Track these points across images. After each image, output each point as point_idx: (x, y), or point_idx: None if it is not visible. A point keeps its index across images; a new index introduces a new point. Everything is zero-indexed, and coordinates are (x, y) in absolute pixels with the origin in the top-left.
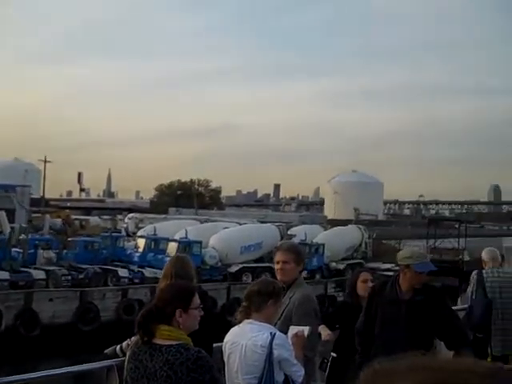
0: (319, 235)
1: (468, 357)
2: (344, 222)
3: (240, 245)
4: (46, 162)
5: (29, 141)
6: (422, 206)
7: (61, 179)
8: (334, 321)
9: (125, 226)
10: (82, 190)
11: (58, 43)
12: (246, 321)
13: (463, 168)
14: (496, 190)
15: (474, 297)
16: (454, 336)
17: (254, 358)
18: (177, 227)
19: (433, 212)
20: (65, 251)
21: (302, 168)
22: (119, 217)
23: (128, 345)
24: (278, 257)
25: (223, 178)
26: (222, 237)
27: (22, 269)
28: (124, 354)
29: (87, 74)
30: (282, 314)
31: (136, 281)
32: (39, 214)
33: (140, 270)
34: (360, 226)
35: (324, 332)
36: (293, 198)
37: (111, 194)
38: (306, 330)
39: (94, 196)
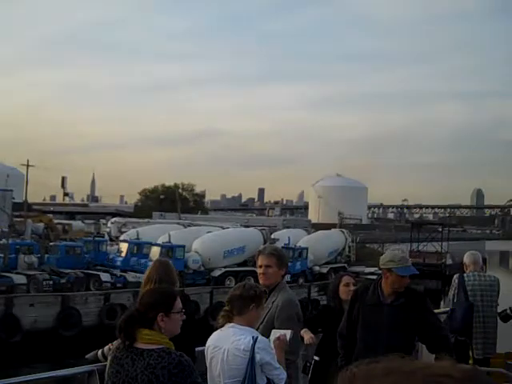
0: (302, 239)
1: (447, 360)
2: (328, 226)
3: (223, 249)
4: (28, 166)
5: (11, 144)
6: (405, 210)
7: (44, 183)
8: (317, 324)
9: (108, 230)
10: (65, 194)
11: (40, 47)
12: (228, 325)
13: (446, 172)
14: (479, 194)
15: (455, 300)
16: (435, 339)
17: (236, 361)
18: (160, 231)
19: (416, 216)
20: (46, 256)
21: (286, 172)
22: (102, 221)
23: (110, 349)
24: (261, 261)
25: (208, 183)
26: (205, 241)
27: (3, 273)
28: (105, 359)
29: (70, 79)
30: (264, 318)
31: (118, 285)
32: (21, 219)
33: (122, 274)
34: (343, 230)
35: (306, 335)
36: (277, 202)
37: (95, 199)
38: (288, 333)
39: (77, 200)
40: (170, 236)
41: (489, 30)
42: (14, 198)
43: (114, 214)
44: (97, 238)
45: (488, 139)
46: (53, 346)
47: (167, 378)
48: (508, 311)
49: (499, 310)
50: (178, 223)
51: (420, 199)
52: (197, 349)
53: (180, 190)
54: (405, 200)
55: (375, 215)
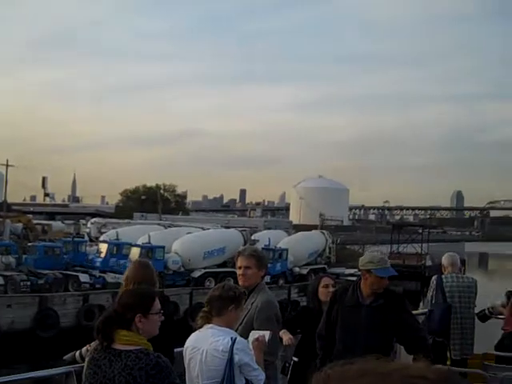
0: (283, 240)
1: (422, 362)
2: (309, 227)
3: (203, 250)
4: (8, 165)
5: None
6: (386, 212)
7: (25, 184)
8: (296, 325)
9: (87, 230)
10: (46, 194)
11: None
12: (207, 326)
13: (427, 175)
14: (459, 196)
15: (433, 301)
16: (413, 340)
17: (214, 362)
18: (140, 232)
19: (397, 217)
20: (24, 256)
21: (268, 173)
22: (82, 222)
23: (87, 350)
24: (240, 262)
25: (190, 184)
26: (185, 242)
27: None
28: (83, 360)
29: (49, 79)
30: (243, 319)
31: (98, 286)
32: (0, 219)
33: (102, 275)
34: (324, 231)
35: (285, 337)
36: (258, 204)
37: (76, 199)
38: (266, 334)
39: (58, 201)
40: (149, 237)
41: (469, 35)
42: None
43: (94, 215)
44: (76, 239)
45: (468, 142)
46: (30, 348)
47: (145, 379)
48: (486, 311)
49: (478, 311)
50: (159, 224)
51: (401, 201)
52: (176, 350)
53: (161, 191)
54: (386, 202)
55: (356, 217)
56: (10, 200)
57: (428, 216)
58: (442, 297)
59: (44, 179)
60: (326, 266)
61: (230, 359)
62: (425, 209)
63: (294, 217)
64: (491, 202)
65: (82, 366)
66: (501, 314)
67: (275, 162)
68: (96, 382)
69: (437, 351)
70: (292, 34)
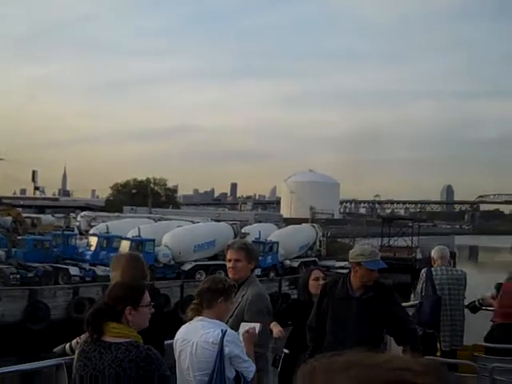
0: (273, 233)
1: (409, 354)
2: (300, 221)
3: (193, 243)
4: None
5: None
6: (377, 206)
7: (15, 177)
8: (286, 318)
9: (77, 224)
10: (36, 188)
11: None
12: (197, 318)
13: (417, 169)
14: (449, 190)
15: (423, 294)
16: (403, 332)
17: (205, 354)
18: (130, 225)
19: (388, 211)
20: (14, 250)
21: (259, 168)
22: (72, 215)
23: (77, 343)
24: (230, 255)
25: (181, 177)
26: (175, 235)
27: None
28: (73, 352)
29: (42, 73)
30: (234, 312)
31: (88, 279)
32: None
33: (92, 268)
34: (314, 225)
35: (275, 329)
36: (249, 197)
37: (66, 193)
38: (257, 326)
39: (49, 195)
40: (139, 230)
41: (458, 31)
42: None
43: (84, 208)
44: (66, 232)
45: (458, 137)
46: (20, 340)
47: (135, 371)
48: (476, 303)
49: (468, 302)
50: (149, 217)
51: (392, 195)
52: (166, 342)
53: (152, 185)
54: (377, 196)
55: (347, 210)
56: None
57: (418, 210)
58: (432, 289)
59: (34, 173)
60: (316, 259)
61: (221, 351)
62: (415, 203)
63: (285, 210)
64: (481, 196)
65: (73, 359)
66: (490, 306)
67: (266, 157)
68: (86, 375)
69: (427, 343)
70: (286, 29)
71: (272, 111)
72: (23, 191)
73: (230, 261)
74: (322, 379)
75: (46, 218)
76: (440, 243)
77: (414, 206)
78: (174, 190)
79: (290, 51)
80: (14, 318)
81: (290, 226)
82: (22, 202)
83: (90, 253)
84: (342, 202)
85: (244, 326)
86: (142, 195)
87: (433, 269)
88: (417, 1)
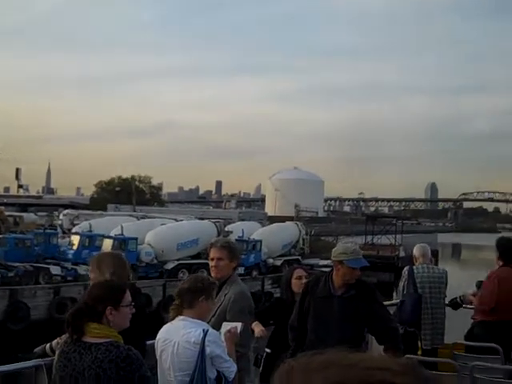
0: (257, 232)
1: (388, 353)
2: (285, 219)
3: (176, 241)
4: None
5: None
6: (361, 203)
7: None
8: (268, 317)
9: (59, 222)
10: (19, 186)
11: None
12: (179, 317)
13: (402, 167)
14: (433, 187)
15: (404, 292)
16: (384, 331)
17: (186, 354)
18: (113, 224)
19: (372, 209)
20: None
21: (244, 165)
22: (56, 213)
23: (58, 343)
24: (212, 253)
25: (165, 175)
26: (158, 233)
27: None
28: (54, 353)
29: (29, 70)
30: (216, 311)
31: (69, 278)
32: None
33: (74, 267)
34: (297, 223)
35: (257, 328)
36: (233, 195)
37: (50, 191)
38: (238, 326)
39: (33, 192)
40: (122, 228)
41: (445, 28)
42: None
43: (68, 206)
44: (48, 231)
45: (442, 135)
46: (0, 341)
47: (115, 371)
48: (458, 300)
49: (449, 299)
50: (132, 215)
51: (376, 193)
52: (148, 342)
53: (137, 183)
54: (361, 193)
55: (332, 208)
56: None
57: (402, 208)
58: (413, 287)
59: (18, 170)
60: (300, 258)
61: (202, 351)
62: (399, 200)
63: (270, 208)
64: (464, 194)
65: (53, 360)
66: (470, 303)
67: (251, 154)
68: (66, 375)
69: (408, 341)
70: (271, 24)
71: (257, 108)
72: (7, 189)
73: (212, 259)
74: (300, 379)
75: (29, 216)
76: (423, 241)
77: (398, 203)
78: (159, 188)
79: (274, 47)
80: None
81: (273, 225)
82: (5, 200)
83: (72, 252)
84: (326, 200)
85: (226, 326)
86: (126, 193)
87: (414, 267)
88: None
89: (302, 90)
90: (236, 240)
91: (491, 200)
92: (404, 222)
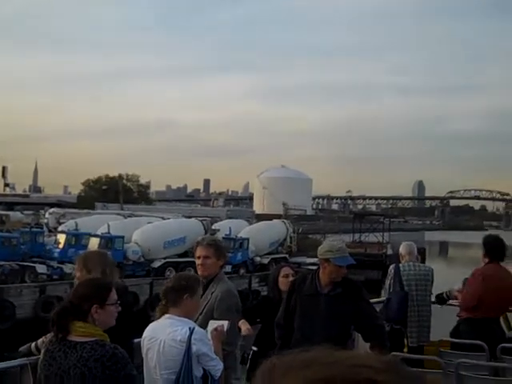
0: (244, 230)
1: (378, 350)
2: (273, 217)
3: (163, 240)
4: None
5: None
6: (349, 201)
7: None
8: (255, 315)
9: (45, 221)
10: (6, 184)
11: None
12: (165, 316)
13: (389, 165)
14: (420, 185)
15: (391, 290)
16: (370, 328)
17: (172, 353)
18: (100, 222)
19: (360, 207)
20: None
21: (232, 163)
22: (42, 212)
23: (43, 342)
24: (199, 252)
25: (153, 173)
26: (145, 232)
27: None
28: (39, 352)
29: (12, 67)
30: (203, 310)
31: (55, 277)
32: None
33: (60, 266)
34: (285, 221)
35: (243, 327)
36: (221, 193)
37: (37, 189)
38: (225, 324)
39: (19, 191)
40: (109, 227)
41: (429, 28)
42: None
43: (55, 205)
44: (34, 229)
45: (429, 133)
46: None
47: (100, 370)
48: (444, 295)
49: (437, 293)
50: (119, 214)
51: (364, 191)
52: (135, 340)
53: (125, 181)
54: (349, 191)
55: (320, 206)
56: None
57: (390, 205)
58: (400, 285)
59: (4, 169)
60: (287, 256)
61: (188, 349)
62: (387, 198)
63: (258, 206)
64: (451, 192)
65: (38, 359)
66: (456, 299)
67: (240, 152)
68: (51, 374)
69: (394, 338)
70: (256, 23)
71: (244, 106)
72: None
73: (199, 258)
74: (282, 377)
75: (15, 215)
76: (411, 239)
77: (385, 201)
78: (147, 186)
79: (262, 45)
80: None
81: (260, 223)
82: None
83: (58, 250)
84: (314, 198)
85: (212, 324)
86: (113, 191)
87: (400, 265)
88: None
89: (289, 88)
90: (223, 238)
91: (478, 198)
92: (391, 219)
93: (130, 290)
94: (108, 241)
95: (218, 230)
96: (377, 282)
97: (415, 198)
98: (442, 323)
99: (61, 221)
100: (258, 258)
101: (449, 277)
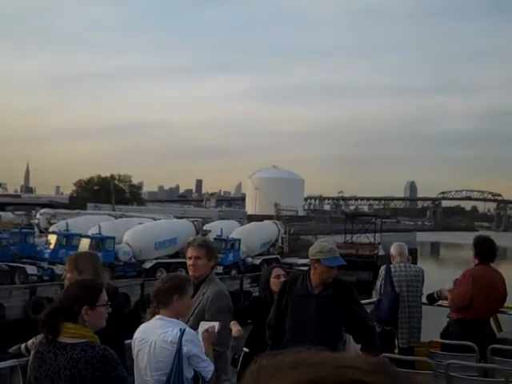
0: (235, 230)
1: (368, 351)
2: (264, 218)
3: (154, 240)
4: None
5: None
6: (341, 202)
7: None
8: (246, 316)
9: (36, 221)
10: None
11: None
12: (156, 317)
13: (381, 165)
14: (412, 186)
15: (382, 290)
16: (361, 329)
17: (163, 354)
18: (91, 223)
19: (352, 207)
20: None
21: (224, 164)
22: (34, 212)
23: (33, 343)
24: (190, 252)
25: (145, 174)
26: (136, 232)
27: None
28: (29, 353)
29: (12, 67)
30: (194, 311)
31: (46, 278)
32: None
33: (50, 267)
34: (276, 222)
35: (234, 328)
36: (212, 194)
37: (29, 190)
38: (216, 325)
39: (11, 191)
40: (100, 227)
41: (413, 30)
42: None
43: (47, 205)
44: (24, 230)
45: (421, 134)
46: None
47: (91, 372)
48: (435, 295)
49: (428, 293)
50: (110, 214)
51: (356, 191)
52: (126, 342)
53: (117, 182)
54: (340, 192)
55: (312, 207)
56: None
57: (382, 206)
58: (391, 286)
59: None
60: (278, 257)
61: (179, 351)
62: (379, 199)
63: (250, 207)
64: (443, 193)
65: (28, 360)
66: (446, 299)
67: (232, 153)
68: (41, 376)
69: (385, 340)
70: (256, 23)
71: (237, 107)
72: None
73: (190, 258)
74: (270, 377)
75: (6, 215)
76: (402, 240)
77: (377, 202)
78: (139, 187)
79: (255, 45)
80: None
81: (252, 223)
82: None
83: (48, 251)
84: (306, 199)
85: (203, 325)
86: (105, 192)
87: (391, 265)
88: None
89: (281, 90)
90: (214, 239)
91: (469, 198)
92: (383, 220)
93: (121, 290)
94: (99, 241)
95: (210, 231)
96: (368, 282)
97: (407, 198)
98: (433, 324)
99: (52, 221)
100: (249, 259)
101: (440, 277)
